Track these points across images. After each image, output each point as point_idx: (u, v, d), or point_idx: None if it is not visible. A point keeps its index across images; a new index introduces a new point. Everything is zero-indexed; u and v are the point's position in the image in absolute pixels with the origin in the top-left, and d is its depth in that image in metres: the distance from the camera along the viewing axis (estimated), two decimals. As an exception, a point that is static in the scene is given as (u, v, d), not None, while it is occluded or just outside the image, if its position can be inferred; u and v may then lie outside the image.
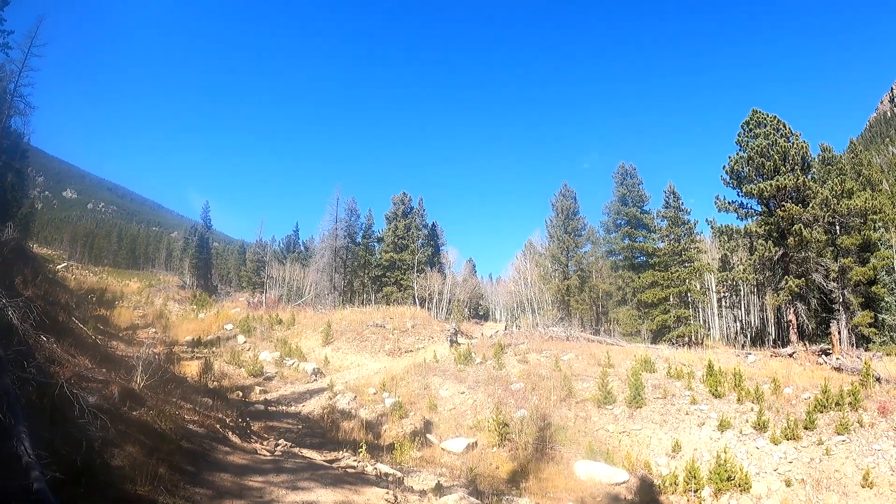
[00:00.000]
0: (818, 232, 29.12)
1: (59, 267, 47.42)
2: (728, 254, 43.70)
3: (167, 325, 33.13)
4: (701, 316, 51.93)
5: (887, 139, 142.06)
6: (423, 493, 10.57)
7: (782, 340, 38.02)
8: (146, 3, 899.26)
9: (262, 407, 19.36)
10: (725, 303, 54.57)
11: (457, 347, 28.62)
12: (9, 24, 27.65)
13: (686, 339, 36.66)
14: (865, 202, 29.60)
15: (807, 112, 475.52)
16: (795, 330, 29.26)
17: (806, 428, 15.86)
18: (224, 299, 55.90)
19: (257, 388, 22.61)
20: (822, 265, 29.67)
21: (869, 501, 13.11)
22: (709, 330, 51.14)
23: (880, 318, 31.52)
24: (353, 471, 11.11)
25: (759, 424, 16.52)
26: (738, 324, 53.39)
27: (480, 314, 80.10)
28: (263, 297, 51.18)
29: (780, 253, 29.24)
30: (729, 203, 31.81)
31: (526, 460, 16.05)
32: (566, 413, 19.50)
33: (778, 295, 29.85)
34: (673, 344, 33.57)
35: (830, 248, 31.28)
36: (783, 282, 29.22)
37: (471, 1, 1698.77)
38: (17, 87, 29.44)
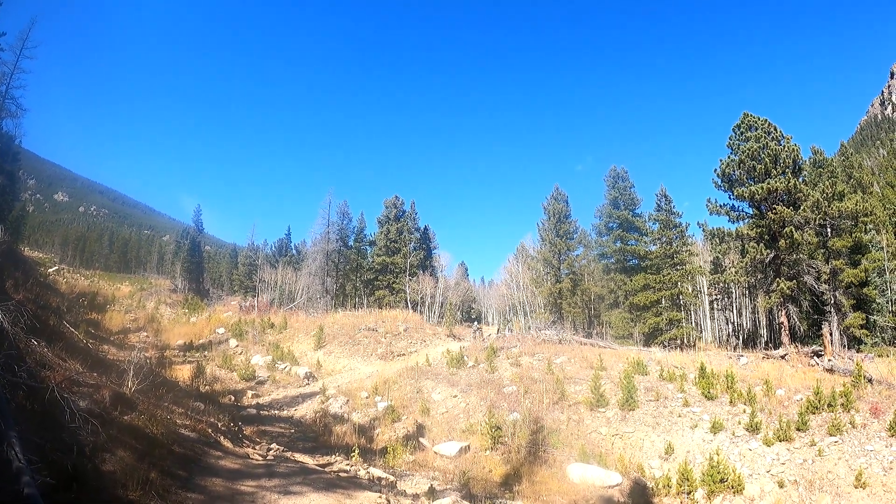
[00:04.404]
0: (809, 234, 29.30)
1: (50, 270, 47.22)
2: (720, 256, 44.03)
3: (159, 328, 32.95)
4: (693, 318, 52.11)
5: (878, 142, 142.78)
6: (415, 496, 10.56)
7: (774, 342, 38.24)
8: (139, 6, 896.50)
9: (254, 411, 19.29)
10: (717, 305, 54.86)
11: (475, 339, 30.07)
12: (0, 26, 27.55)
13: (678, 341, 36.80)
14: (856, 204, 29.80)
15: (798, 115, 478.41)
16: (787, 332, 29.41)
17: (798, 429, 15.90)
18: (216, 303, 55.78)
19: (249, 392, 22.50)
20: (813, 267, 29.84)
21: (862, 502, 13.15)
22: (701, 332, 51.34)
23: (871, 320, 31.72)
24: (345, 475, 11.08)
25: (751, 426, 16.56)
26: (730, 326, 53.62)
27: (473, 317, 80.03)
28: (255, 301, 51.02)
29: (772, 255, 29.39)
30: (720, 206, 31.96)
31: (519, 463, 16.03)
32: (559, 416, 19.50)
33: (770, 297, 29.99)
34: (665, 346, 33.67)
35: (822, 251, 31.49)
36: (775, 284, 29.37)
37: (463, 4, 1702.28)
38: (8, 89, 29.38)
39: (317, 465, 11.93)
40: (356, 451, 13.18)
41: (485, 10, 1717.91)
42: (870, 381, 18.16)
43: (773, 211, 28.96)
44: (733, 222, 32.10)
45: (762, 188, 29.09)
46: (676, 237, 40.25)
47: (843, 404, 16.42)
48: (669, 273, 38.64)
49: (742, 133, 31.74)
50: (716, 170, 32.02)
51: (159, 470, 7.48)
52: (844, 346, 29.70)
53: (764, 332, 46.45)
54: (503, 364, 24.75)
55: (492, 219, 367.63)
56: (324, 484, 9.23)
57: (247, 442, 13.05)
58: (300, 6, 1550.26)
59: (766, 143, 30.34)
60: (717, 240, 33.00)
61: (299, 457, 12.74)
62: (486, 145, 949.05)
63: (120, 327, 30.33)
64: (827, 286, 31.01)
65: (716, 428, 17.07)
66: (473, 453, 16.91)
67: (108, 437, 7.43)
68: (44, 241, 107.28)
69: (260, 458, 11.13)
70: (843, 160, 45.24)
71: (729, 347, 39.78)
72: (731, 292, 51.38)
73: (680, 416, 18.37)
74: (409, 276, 55.13)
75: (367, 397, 21.54)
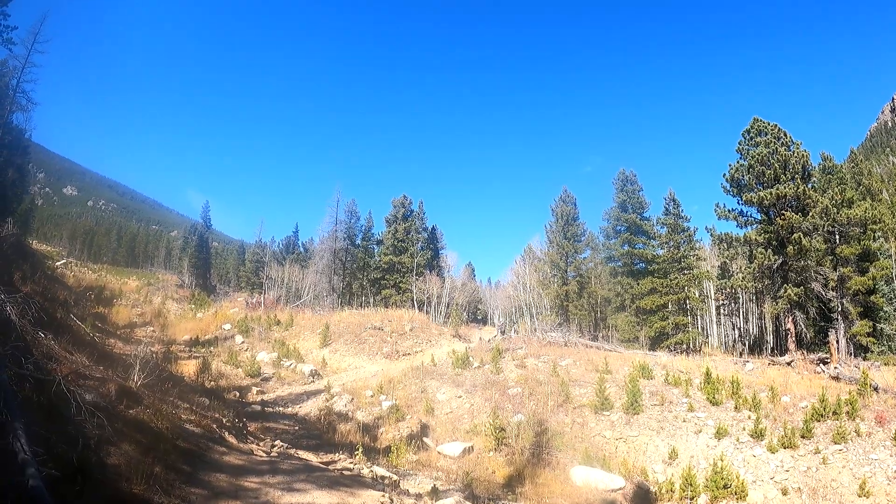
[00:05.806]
0: (817, 241, 29.12)
1: (58, 264, 47.42)
2: (727, 262, 43.72)
3: (165, 324, 33.06)
4: (699, 323, 51.87)
5: (888, 149, 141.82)
6: (418, 496, 10.57)
7: (780, 349, 38.02)
8: (149, 2, 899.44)
9: (258, 408, 19.33)
10: (724, 310, 54.48)
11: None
12: (12, 20, 27.82)
13: (684, 346, 36.66)
14: (865, 212, 29.62)
15: (808, 120, 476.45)
16: (794, 338, 29.22)
17: (803, 437, 15.84)
18: (222, 299, 55.98)
19: (254, 389, 22.56)
20: (821, 274, 29.64)
21: (865, 511, 13.10)
22: (707, 337, 51.11)
23: (878, 328, 31.49)
24: (349, 473, 11.10)
25: (756, 432, 16.50)
26: (737, 332, 53.30)
27: (479, 318, 79.96)
28: (262, 298, 51.13)
29: (780, 261, 29.23)
30: (729, 211, 31.79)
31: (522, 465, 16.03)
32: (563, 418, 19.48)
33: (777, 303, 29.81)
34: (671, 351, 33.57)
35: (830, 258, 31.27)
36: (782, 290, 29.18)
37: (472, 4, 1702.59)
38: (19, 82, 29.56)
39: (320, 462, 11.96)
40: (360, 450, 13.20)
41: (494, 11, 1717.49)
42: (875, 389, 18.08)
43: (782, 217, 28.81)
44: (741, 227, 31.95)
45: (771, 194, 28.93)
46: (684, 241, 40.06)
47: (848, 412, 16.34)
48: (677, 277, 38.49)
49: (752, 138, 31.57)
50: (725, 174, 31.87)
51: (164, 464, 7.51)
52: (851, 353, 29.51)
53: (770, 338, 46.12)
54: (508, 365, 24.73)
55: (499, 219, 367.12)
56: (327, 481, 9.24)
57: (251, 438, 13.10)
58: (307, 1, 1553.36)
59: (776, 148, 30.18)
60: (725, 245, 32.86)
61: (303, 454, 12.77)
62: (495, 146, 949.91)
63: (126, 321, 30.43)
64: (834, 293, 30.80)
65: (720, 434, 17.02)
66: (477, 454, 16.91)
67: (113, 430, 7.46)
68: (52, 235, 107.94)
69: (264, 455, 11.16)
70: (853, 167, 44.96)
71: (735, 353, 39.60)
72: (738, 298, 51.04)
73: (684, 422, 18.32)
74: (416, 275, 55.02)
75: (371, 396, 21.56)
